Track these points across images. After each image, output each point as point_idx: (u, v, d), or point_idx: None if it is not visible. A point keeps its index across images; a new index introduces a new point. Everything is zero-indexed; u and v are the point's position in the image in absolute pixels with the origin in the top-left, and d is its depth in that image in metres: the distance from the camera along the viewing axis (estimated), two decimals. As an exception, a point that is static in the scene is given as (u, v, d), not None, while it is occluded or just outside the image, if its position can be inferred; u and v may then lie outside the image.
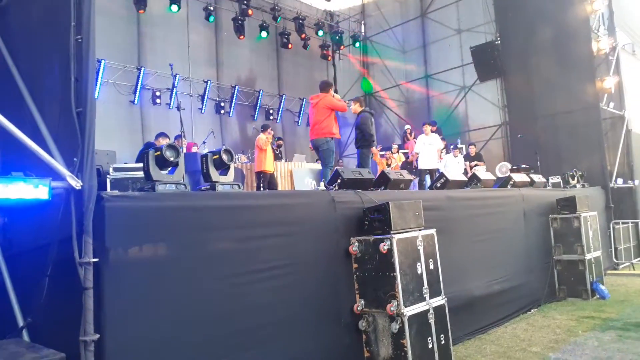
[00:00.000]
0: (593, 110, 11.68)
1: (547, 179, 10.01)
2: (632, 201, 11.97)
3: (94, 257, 3.14)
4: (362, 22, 18.52)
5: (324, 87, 8.38)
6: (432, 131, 11.39)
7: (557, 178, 10.28)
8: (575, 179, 10.48)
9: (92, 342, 3.04)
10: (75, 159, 3.26)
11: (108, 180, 5.53)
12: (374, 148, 9.33)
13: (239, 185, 4.37)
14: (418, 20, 16.73)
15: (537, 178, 9.27)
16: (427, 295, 4.84)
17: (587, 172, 11.12)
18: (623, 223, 11.12)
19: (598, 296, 7.97)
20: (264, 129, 10.44)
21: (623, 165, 12.14)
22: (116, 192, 3.51)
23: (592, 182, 11.24)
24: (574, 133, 11.81)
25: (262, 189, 9.84)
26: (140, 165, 4.58)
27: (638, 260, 11.13)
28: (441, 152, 12.51)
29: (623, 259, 10.80)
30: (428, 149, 11.16)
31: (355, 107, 9.07)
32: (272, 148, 10.41)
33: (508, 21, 13.85)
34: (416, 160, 11.66)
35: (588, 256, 8.09)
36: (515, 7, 13.49)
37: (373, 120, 9.07)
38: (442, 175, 7.57)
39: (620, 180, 11.84)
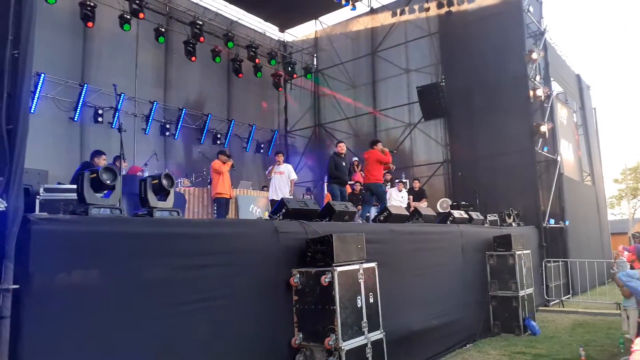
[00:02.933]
0: (529, 153, 12.31)
1: (485, 217, 10.37)
2: (563, 241, 12.59)
3: (15, 284, 2.93)
4: (315, 55, 18.84)
5: (372, 144, 9.92)
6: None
7: (495, 216, 10.68)
8: (511, 217, 10.93)
9: (5, 376, 2.80)
10: (1, 178, 3.06)
11: (38, 201, 5.22)
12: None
13: (178, 212, 4.23)
14: (368, 57, 17.19)
15: (476, 215, 9.59)
16: (365, 330, 4.83)
17: (522, 212, 11.63)
18: (554, 261, 11.65)
19: (530, 332, 8.23)
20: (222, 154, 10.47)
21: (555, 207, 12.78)
22: (45, 215, 3.30)
23: (527, 221, 11.75)
24: (511, 174, 12.35)
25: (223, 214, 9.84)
26: (74, 186, 4.36)
27: (567, 298, 11.64)
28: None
29: (554, 296, 11.26)
30: None
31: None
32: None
33: (452, 65, 14.48)
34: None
35: (521, 293, 8.38)
36: (459, 53, 14.15)
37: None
38: (385, 208, 7.68)
39: (552, 221, 12.44)
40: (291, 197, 10.04)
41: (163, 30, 13.94)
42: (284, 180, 10.52)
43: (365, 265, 5.04)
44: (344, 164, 9.81)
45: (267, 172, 10.49)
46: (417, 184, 13.57)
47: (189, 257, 4.01)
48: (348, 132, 17.70)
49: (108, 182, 3.82)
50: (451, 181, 14.53)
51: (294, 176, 10.77)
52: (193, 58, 14.60)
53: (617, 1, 78.83)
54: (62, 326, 3.13)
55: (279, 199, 9.64)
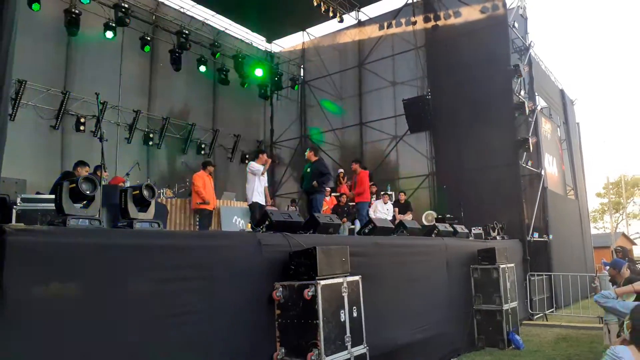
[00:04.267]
0: (513, 167, 12.41)
1: (470, 230, 10.38)
2: (547, 254, 12.66)
3: (-12, 296, 2.83)
4: (302, 66, 18.89)
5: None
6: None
7: (479, 229, 10.69)
8: (496, 231, 10.96)
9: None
10: (-25, 187, 2.97)
11: (14, 212, 5.08)
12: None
13: (159, 224, 4.15)
14: (355, 69, 17.28)
15: (460, 228, 9.59)
16: (349, 344, 4.75)
17: (506, 225, 11.68)
18: (538, 275, 11.69)
19: (514, 346, 8.19)
20: (208, 164, 10.29)
21: (539, 220, 12.87)
22: (21, 225, 3.22)
23: (511, 234, 11.80)
24: (496, 187, 12.42)
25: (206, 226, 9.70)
26: (53, 197, 4.25)
27: (551, 311, 11.67)
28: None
29: (537, 310, 11.29)
30: None
31: (310, 155, 9.78)
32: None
33: (438, 78, 14.60)
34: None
35: (505, 306, 8.36)
36: (445, 66, 14.28)
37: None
38: (370, 221, 7.64)
39: (536, 234, 12.51)
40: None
41: (149, 39, 13.86)
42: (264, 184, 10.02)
43: (349, 279, 4.97)
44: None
45: (262, 171, 9.84)
46: (402, 197, 13.57)
47: (169, 270, 3.93)
48: (334, 143, 17.72)
49: (87, 192, 3.74)
50: (436, 194, 14.58)
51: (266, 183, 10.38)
52: (178, 67, 14.51)
53: (601, 17, 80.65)
54: (37, 341, 3.04)
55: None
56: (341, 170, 15.07)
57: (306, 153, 9.98)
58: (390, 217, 11.81)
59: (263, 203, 9.71)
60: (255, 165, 9.74)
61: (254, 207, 9.56)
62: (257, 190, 9.63)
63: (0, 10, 3.22)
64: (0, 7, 3.21)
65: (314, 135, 17.98)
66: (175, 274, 3.95)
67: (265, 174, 9.95)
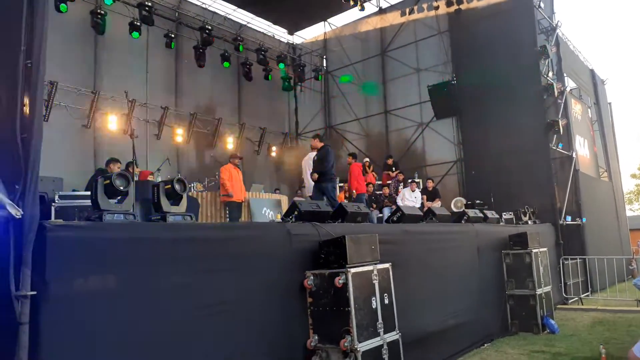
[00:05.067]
0: (543, 150, 12.17)
1: (500, 215, 10.26)
2: (580, 238, 12.41)
3: (32, 290, 2.95)
4: (324, 57, 18.85)
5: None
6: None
7: (510, 214, 10.57)
8: (527, 215, 10.80)
9: (25, 382, 2.82)
10: (17, 186, 3.09)
11: (53, 209, 5.28)
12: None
13: (191, 217, 4.25)
14: (378, 57, 17.16)
15: (491, 214, 9.50)
16: (381, 331, 4.79)
17: (538, 210, 11.50)
18: (572, 259, 11.48)
19: (548, 330, 8.11)
20: (234, 157, 10.41)
21: (572, 204, 12.62)
22: (60, 222, 3.33)
23: (543, 219, 11.61)
24: (526, 171, 12.22)
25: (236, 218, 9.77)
26: (88, 193, 4.40)
27: (586, 295, 11.47)
28: (397, 187, 12.73)
29: (572, 294, 11.11)
30: None
31: (315, 143, 9.44)
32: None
33: (463, 63, 14.38)
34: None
35: (539, 291, 8.27)
36: (470, 50, 14.06)
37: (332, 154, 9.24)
38: (398, 209, 7.64)
39: (569, 218, 12.28)
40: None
41: (173, 36, 14.04)
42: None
43: (379, 266, 5.00)
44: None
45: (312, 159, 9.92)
46: (430, 184, 13.48)
47: (202, 261, 4.01)
48: (359, 133, 17.68)
49: (121, 188, 3.85)
50: (465, 180, 14.44)
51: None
52: (201, 65, 14.67)
53: (630, -6, 77.78)
54: (79, 332, 3.15)
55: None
56: (367, 159, 15.06)
57: (311, 141, 9.77)
58: (418, 205, 11.75)
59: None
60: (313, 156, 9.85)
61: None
62: (310, 177, 9.65)
63: (32, 14, 3.33)
64: (31, 12, 3.32)
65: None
66: (208, 265, 4.04)
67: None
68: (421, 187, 13.87)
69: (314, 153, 9.58)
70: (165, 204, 4.18)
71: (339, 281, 4.51)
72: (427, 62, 15.83)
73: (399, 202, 11.88)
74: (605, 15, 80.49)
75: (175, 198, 4.32)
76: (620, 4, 77.70)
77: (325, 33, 18.82)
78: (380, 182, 13.67)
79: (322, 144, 9.37)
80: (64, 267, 3.15)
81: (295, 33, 19.07)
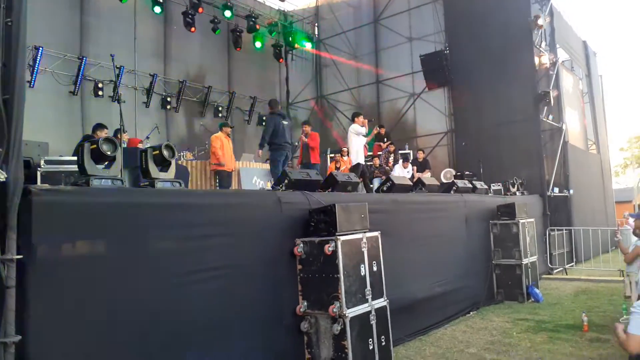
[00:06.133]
0: (533, 122, 12.17)
1: (489, 186, 10.34)
2: (567, 209, 12.57)
3: (19, 254, 2.94)
4: (316, 24, 18.54)
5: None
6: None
7: (499, 185, 10.65)
8: (516, 186, 10.90)
9: (13, 344, 2.84)
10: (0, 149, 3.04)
11: (39, 173, 5.21)
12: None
13: (180, 183, 4.22)
14: (371, 26, 16.91)
15: (479, 185, 9.56)
16: (369, 297, 4.86)
17: (526, 181, 11.59)
18: (558, 230, 11.65)
19: (533, 299, 8.29)
20: (225, 125, 10.31)
21: (560, 175, 12.73)
22: (46, 186, 3.29)
23: (531, 190, 11.72)
24: (516, 143, 12.25)
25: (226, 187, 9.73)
26: (75, 158, 4.34)
27: (571, 266, 11.69)
28: (388, 158, 12.69)
29: (557, 264, 11.31)
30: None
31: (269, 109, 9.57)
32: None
33: (457, 32, 14.21)
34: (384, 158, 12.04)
35: (525, 261, 8.41)
36: (463, 20, 13.87)
37: (282, 123, 8.95)
38: (388, 179, 7.65)
39: (556, 190, 12.40)
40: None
41: (161, 1, 13.68)
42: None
43: (369, 234, 5.04)
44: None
45: (363, 131, 9.83)
46: (421, 155, 13.49)
47: (192, 228, 4.01)
48: (351, 103, 17.56)
49: (108, 153, 3.81)
50: (455, 151, 14.47)
51: None
52: (192, 29, 14.37)
53: (626, -35, 76.83)
54: (65, 295, 3.17)
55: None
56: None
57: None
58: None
59: (362, 162, 10.00)
60: (356, 127, 9.88)
61: (357, 167, 9.75)
62: (359, 151, 9.88)
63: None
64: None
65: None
66: (197, 231, 4.04)
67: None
68: (411, 158, 13.90)
69: (355, 125, 9.80)
70: (153, 170, 4.15)
71: (328, 248, 4.54)
72: (420, 31, 15.66)
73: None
74: (600, -14, 79.58)
75: (163, 164, 4.29)
76: (615, -24, 76.89)
77: (317, 0, 18.45)
78: (371, 153, 13.64)
79: (271, 110, 9.28)
80: (51, 232, 3.15)
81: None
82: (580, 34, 17.35)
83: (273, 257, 4.66)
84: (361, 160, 9.95)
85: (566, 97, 13.86)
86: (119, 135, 7.20)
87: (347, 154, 13.79)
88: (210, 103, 15.58)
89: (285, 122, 8.98)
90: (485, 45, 13.01)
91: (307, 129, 10.90)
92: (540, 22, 12.26)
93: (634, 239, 6.16)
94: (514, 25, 12.58)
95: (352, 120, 10.13)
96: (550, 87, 12.62)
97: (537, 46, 12.56)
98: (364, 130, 9.87)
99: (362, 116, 10.09)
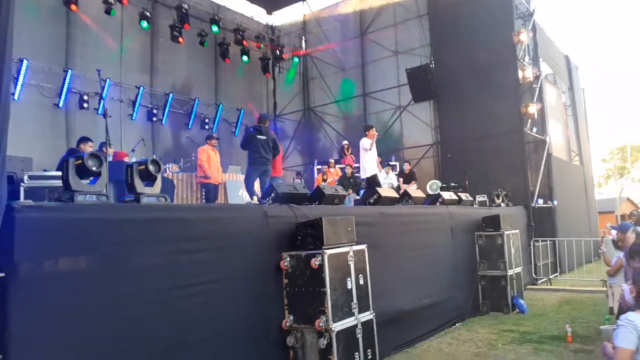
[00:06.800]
0: (518, 134, 12.34)
1: (474, 198, 10.43)
2: (551, 220, 12.70)
3: (1, 272, 2.91)
4: (303, 38, 18.67)
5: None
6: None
7: (484, 197, 10.75)
8: (500, 198, 11.00)
9: (-6, 363, 2.80)
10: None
11: (22, 189, 5.15)
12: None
13: (165, 198, 4.21)
14: (357, 40, 17.07)
15: (465, 196, 9.64)
16: (355, 311, 4.87)
17: (511, 192, 11.71)
18: (542, 241, 11.78)
19: (518, 310, 8.35)
20: (210, 138, 10.28)
21: (544, 187, 12.89)
22: (29, 202, 3.27)
23: (516, 201, 11.84)
24: (500, 155, 12.40)
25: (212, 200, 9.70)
26: (59, 173, 4.31)
27: (555, 276, 11.80)
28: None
29: (542, 275, 11.41)
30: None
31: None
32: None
33: (442, 46, 14.40)
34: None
35: (510, 272, 8.48)
36: (449, 34, 14.07)
37: (256, 137, 8.83)
38: (375, 191, 7.70)
39: (540, 201, 12.55)
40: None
41: (148, 14, 13.70)
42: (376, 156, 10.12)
43: (355, 248, 5.06)
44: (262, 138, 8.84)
45: (369, 145, 9.69)
46: (407, 167, 13.60)
47: (178, 243, 4.01)
48: (337, 115, 17.65)
49: (94, 168, 3.79)
50: (441, 163, 14.58)
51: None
52: (180, 39, 14.38)
53: (606, -20, 78.70)
54: (50, 313, 3.13)
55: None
56: (345, 142, 15.09)
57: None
58: (388, 183, 11.78)
59: (374, 173, 9.89)
60: (363, 142, 9.85)
61: (370, 180, 9.74)
62: (367, 164, 9.77)
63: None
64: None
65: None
66: (183, 246, 4.04)
67: (374, 146, 9.97)
68: (397, 170, 13.99)
69: (365, 139, 9.76)
70: (139, 185, 4.13)
71: (315, 262, 4.55)
72: (406, 45, 15.82)
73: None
74: (581, 2, 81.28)
75: (149, 179, 4.27)
76: (596, -9, 78.62)
77: (304, 14, 18.60)
78: (358, 165, 13.70)
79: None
80: (34, 249, 3.12)
81: (274, 13, 18.80)
82: (563, 48, 17.70)
83: (259, 272, 4.66)
84: (369, 174, 9.83)
85: (550, 110, 14.08)
86: (104, 149, 7.18)
87: (334, 166, 13.91)
88: (197, 115, 15.56)
89: (261, 137, 8.77)
90: (470, 59, 13.19)
91: None
92: (523, 37, 12.48)
93: (614, 251, 6.26)
94: (498, 40, 12.79)
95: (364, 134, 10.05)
96: (534, 100, 12.81)
97: (521, 60, 12.77)
98: (368, 144, 9.79)
99: (372, 129, 10.01)
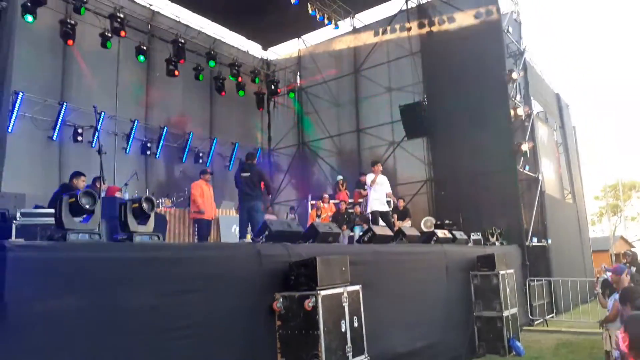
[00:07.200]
0: (510, 172, 12.41)
1: (469, 236, 10.38)
2: (546, 259, 12.65)
3: (-10, 313, 2.83)
4: (298, 73, 18.92)
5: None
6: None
7: (478, 235, 10.69)
8: (495, 236, 10.96)
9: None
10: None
11: (14, 226, 5.07)
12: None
13: (158, 237, 4.14)
14: (351, 76, 17.31)
15: (459, 235, 9.59)
16: (350, 354, 4.75)
17: (505, 230, 11.67)
18: (538, 280, 11.69)
19: (514, 353, 8.20)
20: (204, 173, 10.29)
21: (538, 225, 12.88)
22: (21, 241, 3.22)
23: (510, 239, 11.80)
24: (494, 192, 12.44)
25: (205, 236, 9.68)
26: (52, 210, 4.25)
27: (551, 317, 11.66)
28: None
29: (537, 315, 11.27)
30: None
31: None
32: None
33: (435, 84, 14.63)
34: (365, 205, 11.78)
35: (506, 313, 8.36)
36: (441, 72, 14.32)
37: (240, 175, 9.15)
38: (369, 229, 7.64)
39: (535, 239, 12.52)
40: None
41: (145, 48, 13.85)
42: (385, 191, 10.13)
43: (350, 289, 4.98)
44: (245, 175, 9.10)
45: (369, 181, 9.86)
46: (401, 203, 13.57)
47: (170, 283, 3.93)
48: (332, 150, 17.73)
49: (87, 206, 3.73)
50: (435, 199, 14.58)
51: (389, 189, 10.34)
52: (176, 72, 14.52)
53: (595, 22, 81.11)
54: (40, 354, 3.05)
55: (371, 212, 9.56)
56: (340, 177, 15.10)
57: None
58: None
59: (379, 209, 9.92)
60: (368, 177, 10.03)
61: (372, 216, 9.81)
62: (370, 201, 9.92)
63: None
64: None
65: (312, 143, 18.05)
66: (176, 286, 3.96)
67: (386, 182, 10.13)
68: (392, 206, 13.95)
69: (369, 174, 9.98)
70: (132, 223, 4.07)
71: (308, 304, 4.46)
72: (399, 82, 16.05)
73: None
74: (572, 41, 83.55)
75: (142, 217, 4.21)
76: (586, 33, 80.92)
77: (299, 50, 18.92)
78: (352, 201, 13.69)
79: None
80: (25, 289, 3.06)
81: (270, 49, 19.10)
82: (554, 86, 18.04)
83: (252, 313, 4.55)
84: (369, 210, 9.97)
85: (542, 147, 14.23)
86: (97, 184, 7.13)
87: (328, 201, 13.87)
88: (191, 149, 15.57)
89: (244, 175, 9.02)
90: (462, 96, 13.38)
91: None
92: (514, 75, 12.72)
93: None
94: (489, 78, 13.01)
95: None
96: (526, 138, 12.95)
97: (513, 99, 12.97)
98: (370, 179, 9.92)
99: (376, 164, 10.18)
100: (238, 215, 9.26)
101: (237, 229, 9.43)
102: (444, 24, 14.41)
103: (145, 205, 4.14)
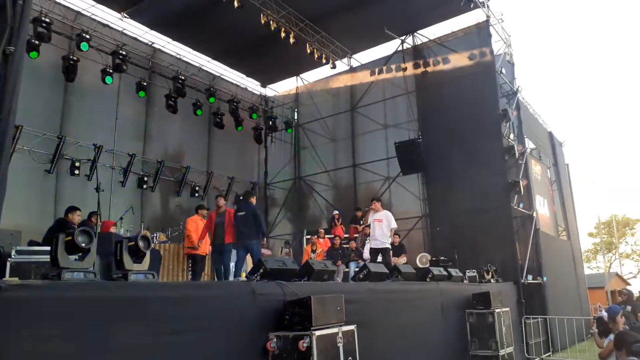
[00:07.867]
0: (505, 209, 12.49)
1: (464, 273, 10.36)
2: (542, 296, 12.58)
3: (-18, 354, 2.82)
4: (296, 110, 19.18)
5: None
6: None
7: (473, 272, 10.67)
8: (490, 273, 10.94)
9: None
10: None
11: (8, 264, 5.07)
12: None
13: (153, 275, 4.16)
14: (348, 113, 17.56)
15: (455, 272, 9.58)
16: (344, 397, 4.69)
17: (500, 267, 11.65)
18: (533, 318, 11.60)
19: (511, 393, 8.08)
20: (201, 208, 10.37)
21: (533, 262, 12.87)
22: (15, 280, 3.24)
23: (505, 277, 11.77)
24: (488, 229, 12.47)
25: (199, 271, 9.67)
26: (47, 248, 4.27)
27: (548, 355, 11.53)
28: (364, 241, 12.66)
29: (534, 354, 11.14)
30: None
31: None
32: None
33: (429, 122, 14.87)
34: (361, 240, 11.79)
35: (502, 352, 8.30)
36: (435, 111, 14.58)
37: (236, 215, 9.29)
38: (365, 266, 7.64)
39: (530, 276, 12.49)
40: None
41: (145, 84, 14.07)
42: (384, 228, 10.06)
43: (345, 328, 4.96)
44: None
45: (362, 221, 10.01)
46: (396, 239, 13.51)
47: (165, 322, 3.92)
48: (328, 184, 17.82)
49: (84, 245, 3.76)
50: (430, 235, 14.59)
51: (394, 224, 10.21)
52: (174, 110, 14.69)
53: (586, 61, 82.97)
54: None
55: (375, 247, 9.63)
56: (336, 212, 15.12)
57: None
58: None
59: (379, 246, 10.04)
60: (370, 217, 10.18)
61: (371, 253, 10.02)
62: (371, 238, 10.13)
63: (5, 67, 3.32)
64: (5, 64, 3.31)
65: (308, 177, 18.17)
66: (170, 326, 3.95)
67: (389, 217, 10.11)
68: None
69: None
70: (127, 261, 4.09)
71: (303, 344, 4.44)
72: (395, 119, 16.28)
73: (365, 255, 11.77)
74: (564, 80, 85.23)
75: (138, 255, 4.23)
76: (578, 72, 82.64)
77: (297, 87, 19.22)
78: (347, 236, 13.68)
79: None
80: (19, 329, 3.05)
81: (268, 86, 19.43)
82: (546, 125, 18.33)
83: (245, 353, 4.53)
84: (373, 245, 10.11)
85: (535, 185, 14.35)
86: (93, 219, 7.14)
87: (324, 236, 13.84)
88: (187, 182, 15.63)
89: (240, 214, 9.17)
90: (457, 134, 13.58)
91: (220, 202, 9.91)
92: (507, 115, 12.95)
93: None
94: (483, 117, 13.23)
95: None
96: (520, 176, 13.09)
97: (506, 137, 13.16)
98: (366, 217, 10.08)
99: (374, 202, 10.32)
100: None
101: (232, 265, 9.40)
102: (439, 65, 14.75)
103: (141, 244, 4.17)
